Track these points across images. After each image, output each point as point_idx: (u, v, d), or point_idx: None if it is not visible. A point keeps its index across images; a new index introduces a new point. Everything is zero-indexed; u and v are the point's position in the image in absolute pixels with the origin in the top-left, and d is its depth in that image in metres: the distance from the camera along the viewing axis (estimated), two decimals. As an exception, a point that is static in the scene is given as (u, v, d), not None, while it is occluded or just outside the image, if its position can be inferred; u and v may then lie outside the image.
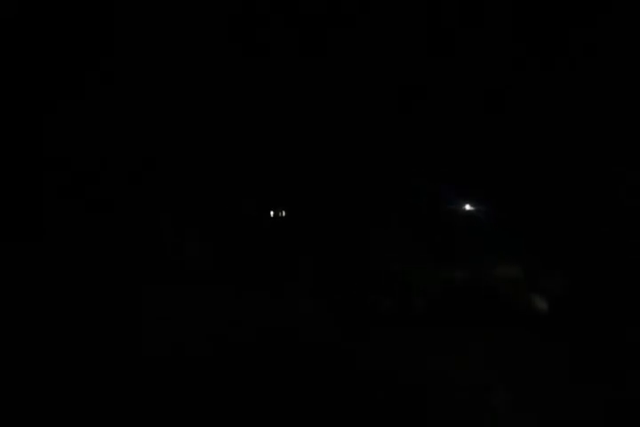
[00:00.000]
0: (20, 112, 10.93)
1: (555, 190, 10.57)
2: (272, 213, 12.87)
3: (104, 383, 6.59)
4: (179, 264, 11.96)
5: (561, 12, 9.85)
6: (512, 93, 10.62)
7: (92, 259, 11.17)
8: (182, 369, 7.06)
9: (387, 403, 6.20)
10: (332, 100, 11.34)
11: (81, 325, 8.62)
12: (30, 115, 11.00)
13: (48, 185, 11.46)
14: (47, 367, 7.02)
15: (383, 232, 11.73)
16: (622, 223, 9.89)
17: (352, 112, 11.39)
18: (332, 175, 11.98)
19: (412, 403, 6.22)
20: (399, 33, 10.45)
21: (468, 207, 11.61)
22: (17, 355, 7.34)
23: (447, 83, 10.78)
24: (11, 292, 9.43)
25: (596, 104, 9.98)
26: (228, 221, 12.74)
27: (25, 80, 10.66)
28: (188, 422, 5.87)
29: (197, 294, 10.67)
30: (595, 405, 6.00)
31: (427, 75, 10.83)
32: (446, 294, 10.17)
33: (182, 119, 11.59)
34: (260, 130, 11.85)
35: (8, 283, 9.61)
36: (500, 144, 10.90)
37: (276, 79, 11.22)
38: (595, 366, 7.01)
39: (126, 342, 8.04)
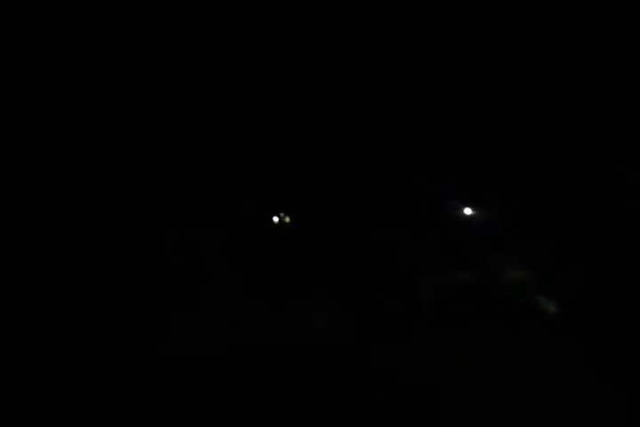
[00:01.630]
0: (20, 112, 10.92)
1: (556, 190, 10.57)
2: (275, 216, 12.89)
3: (108, 384, 6.58)
4: (181, 265, 11.97)
5: (561, 12, 9.84)
6: (512, 93, 10.62)
7: (93, 259, 11.17)
8: (192, 372, 7.05)
9: (396, 404, 6.20)
10: (332, 101, 11.34)
11: (80, 324, 8.62)
12: (30, 115, 10.99)
13: (48, 185, 11.46)
14: (51, 367, 7.02)
15: (389, 235, 11.75)
16: (624, 224, 9.89)
17: (352, 112, 11.40)
18: (336, 176, 11.99)
19: (420, 403, 6.21)
20: (399, 33, 10.44)
21: (473, 210, 11.64)
22: (18, 354, 7.35)
23: (447, 83, 10.77)
24: (13, 293, 9.43)
25: (595, 104, 9.98)
26: (231, 222, 12.77)
27: (25, 80, 10.65)
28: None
29: (203, 295, 10.70)
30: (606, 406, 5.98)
31: (427, 75, 10.83)
32: (454, 296, 10.19)
33: (182, 119, 11.59)
34: (261, 130, 11.85)
35: (10, 285, 9.61)
36: (501, 144, 10.91)
37: (276, 79, 11.22)
38: (603, 370, 6.97)
39: (130, 343, 8.04)
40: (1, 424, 5.59)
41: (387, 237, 11.69)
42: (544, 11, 9.93)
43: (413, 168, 11.60)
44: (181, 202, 12.25)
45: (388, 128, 11.46)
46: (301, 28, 10.60)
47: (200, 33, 10.62)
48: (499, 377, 6.82)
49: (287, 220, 12.93)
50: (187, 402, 6.09)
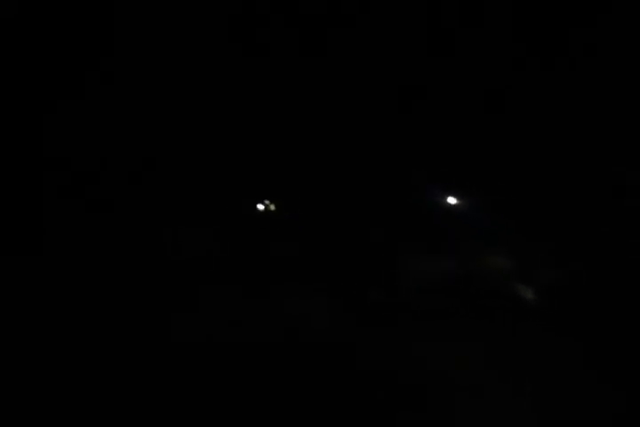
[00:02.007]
0: (20, 112, 10.93)
1: (555, 188, 10.59)
2: (262, 207, 12.94)
3: (108, 384, 6.59)
4: (180, 264, 11.98)
5: (561, 12, 9.84)
6: (512, 93, 10.62)
7: (93, 258, 11.18)
8: (192, 372, 7.06)
9: (386, 402, 6.20)
10: (332, 100, 11.34)
11: (80, 323, 8.63)
12: (30, 115, 11.00)
13: (48, 185, 11.47)
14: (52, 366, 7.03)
15: (373, 226, 11.83)
16: (621, 222, 9.91)
17: (352, 112, 11.40)
18: (329, 172, 12.01)
19: (411, 401, 6.22)
20: (399, 33, 10.44)
21: (460, 200, 11.69)
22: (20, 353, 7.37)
23: (447, 83, 10.77)
24: (13, 293, 9.44)
25: (595, 104, 9.98)
26: (228, 219, 12.78)
27: (25, 80, 10.66)
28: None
29: (200, 293, 10.71)
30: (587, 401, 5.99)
31: (427, 75, 10.83)
32: (438, 286, 10.30)
33: (182, 119, 11.59)
34: (261, 130, 11.86)
35: (10, 285, 9.62)
36: (500, 143, 10.92)
37: (276, 79, 11.22)
38: (602, 368, 6.98)
39: (128, 341, 8.04)
40: (1, 424, 5.60)
41: (384, 236, 11.74)
42: (544, 11, 9.93)
43: (411, 166, 11.61)
44: (180, 202, 12.26)
45: (387, 127, 11.47)
46: (301, 28, 10.60)
47: (200, 33, 10.62)
48: (498, 377, 6.83)
49: (272, 208, 13.03)
50: (187, 401, 6.10)
